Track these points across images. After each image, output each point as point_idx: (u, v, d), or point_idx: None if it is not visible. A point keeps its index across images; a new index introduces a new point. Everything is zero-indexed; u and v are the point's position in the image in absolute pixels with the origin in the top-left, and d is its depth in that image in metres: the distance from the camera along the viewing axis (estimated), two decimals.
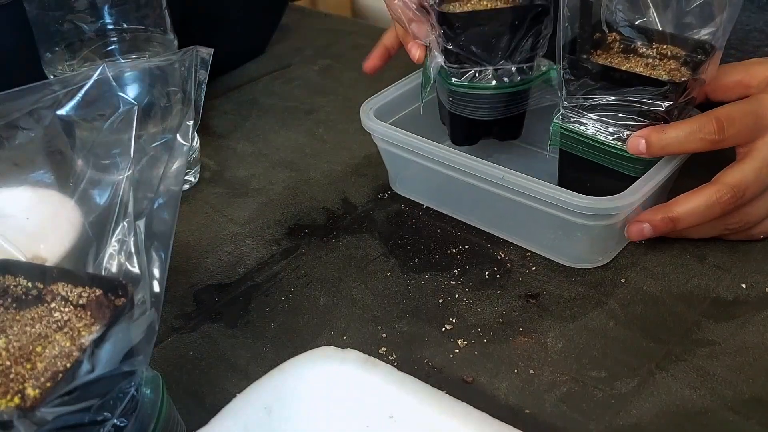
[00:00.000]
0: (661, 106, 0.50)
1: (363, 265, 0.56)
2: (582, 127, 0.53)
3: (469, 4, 0.58)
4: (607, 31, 0.55)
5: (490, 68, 0.57)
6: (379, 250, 0.57)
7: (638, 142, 0.50)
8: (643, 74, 0.51)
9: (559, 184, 0.53)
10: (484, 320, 0.50)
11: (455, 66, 0.57)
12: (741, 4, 0.49)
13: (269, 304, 0.53)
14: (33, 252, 0.37)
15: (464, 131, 0.61)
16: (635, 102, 0.51)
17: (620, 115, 0.52)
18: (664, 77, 0.51)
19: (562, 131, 0.55)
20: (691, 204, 0.51)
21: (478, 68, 0.57)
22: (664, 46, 0.53)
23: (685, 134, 0.50)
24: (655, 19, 0.53)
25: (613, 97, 0.51)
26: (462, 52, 0.56)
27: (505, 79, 0.58)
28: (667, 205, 0.52)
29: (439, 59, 0.58)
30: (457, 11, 0.57)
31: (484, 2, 0.58)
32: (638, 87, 0.50)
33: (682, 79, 0.51)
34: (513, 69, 0.57)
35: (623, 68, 0.52)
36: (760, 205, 0.52)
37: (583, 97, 0.52)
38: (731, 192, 0.50)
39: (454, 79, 0.58)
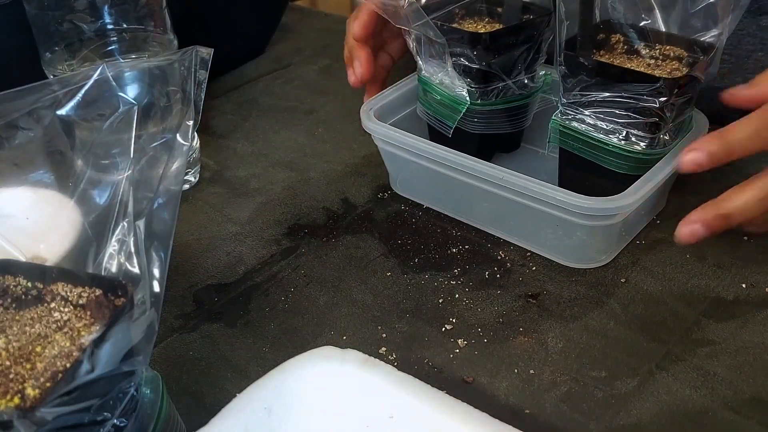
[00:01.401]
0: (655, 102, 0.50)
1: (363, 265, 0.56)
2: (579, 124, 0.53)
3: (466, 26, 0.59)
4: (606, 32, 0.55)
5: (510, 82, 0.58)
6: (379, 250, 0.57)
7: (695, 156, 0.47)
8: (636, 70, 0.51)
9: (558, 184, 0.54)
10: (484, 320, 0.50)
11: (480, 86, 0.57)
12: (747, 5, 0.49)
13: (269, 304, 0.53)
14: (33, 252, 0.37)
15: (476, 148, 0.60)
16: (630, 98, 0.51)
17: (616, 111, 0.52)
18: (664, 75, 0.51)
19: (561, 128, 0.55)
20: (743, 197, 0.48)
21: (500, 83, 0.58)
22: (667, 47, 0.53)
23: (749, 134, 0.47)
24: (659, 21, 0.53)
25: (609, 93, 0.51)
26: (490, 69, 0.57)
27: (521, 91, 0.59)
28: (717, 203, 0.49)
29: (462, 83, 0.58)
30: (477, 31, 0.57)
31: (478, 25, 0.59)
32: (633, 83, 0.50)
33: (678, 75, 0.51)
34: (525, 80, 0.58)
35: (617, 64, 0.52)
36: None
37: (579, 93, 0.52)
38: None
39: (480, 100, 0.58)
